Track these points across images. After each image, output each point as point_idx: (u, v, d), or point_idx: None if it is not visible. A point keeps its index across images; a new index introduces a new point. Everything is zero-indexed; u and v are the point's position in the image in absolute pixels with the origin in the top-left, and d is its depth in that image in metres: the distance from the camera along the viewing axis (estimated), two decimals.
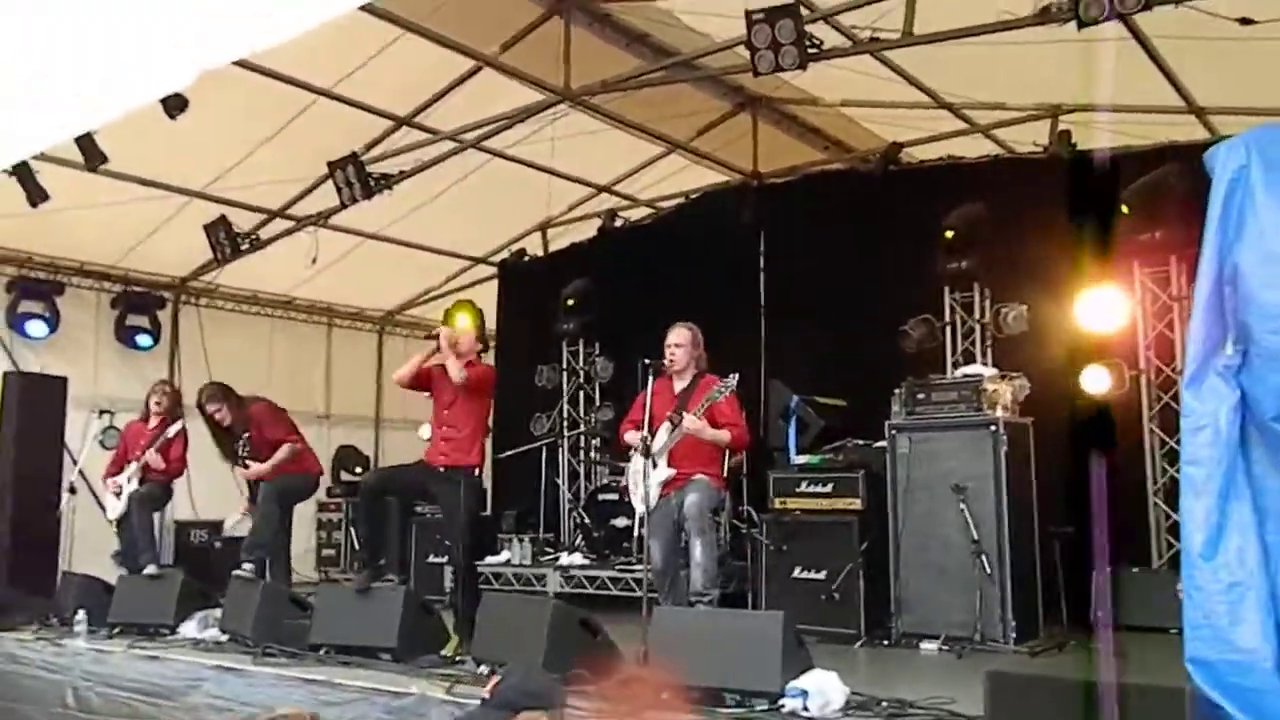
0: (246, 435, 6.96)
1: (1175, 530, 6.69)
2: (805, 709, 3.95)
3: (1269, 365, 3.17)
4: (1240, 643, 3.11)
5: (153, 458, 7.31)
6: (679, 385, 5.76)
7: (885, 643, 6.19)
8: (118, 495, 7.47)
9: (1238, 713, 3.04)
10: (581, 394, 10.32)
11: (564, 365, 10.33)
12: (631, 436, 5.68)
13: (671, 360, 5.72)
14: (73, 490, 8.45)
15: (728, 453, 6.10)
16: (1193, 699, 2.93)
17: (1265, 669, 3.08)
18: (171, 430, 7.41)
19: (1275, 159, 3.27)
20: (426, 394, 6.20)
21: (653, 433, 5.43)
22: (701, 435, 5.44)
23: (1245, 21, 5.47)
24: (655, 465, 5.43)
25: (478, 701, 4.25)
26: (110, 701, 5.63)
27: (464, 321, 9.76)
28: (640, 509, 5.49)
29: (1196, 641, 3.16)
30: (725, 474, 6.07)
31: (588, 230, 10.83)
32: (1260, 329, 3.19)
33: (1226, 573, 3.20)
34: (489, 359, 10.86)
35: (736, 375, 5.54)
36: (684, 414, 5.44)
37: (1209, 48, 5.92)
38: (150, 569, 7.05)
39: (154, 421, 7.65)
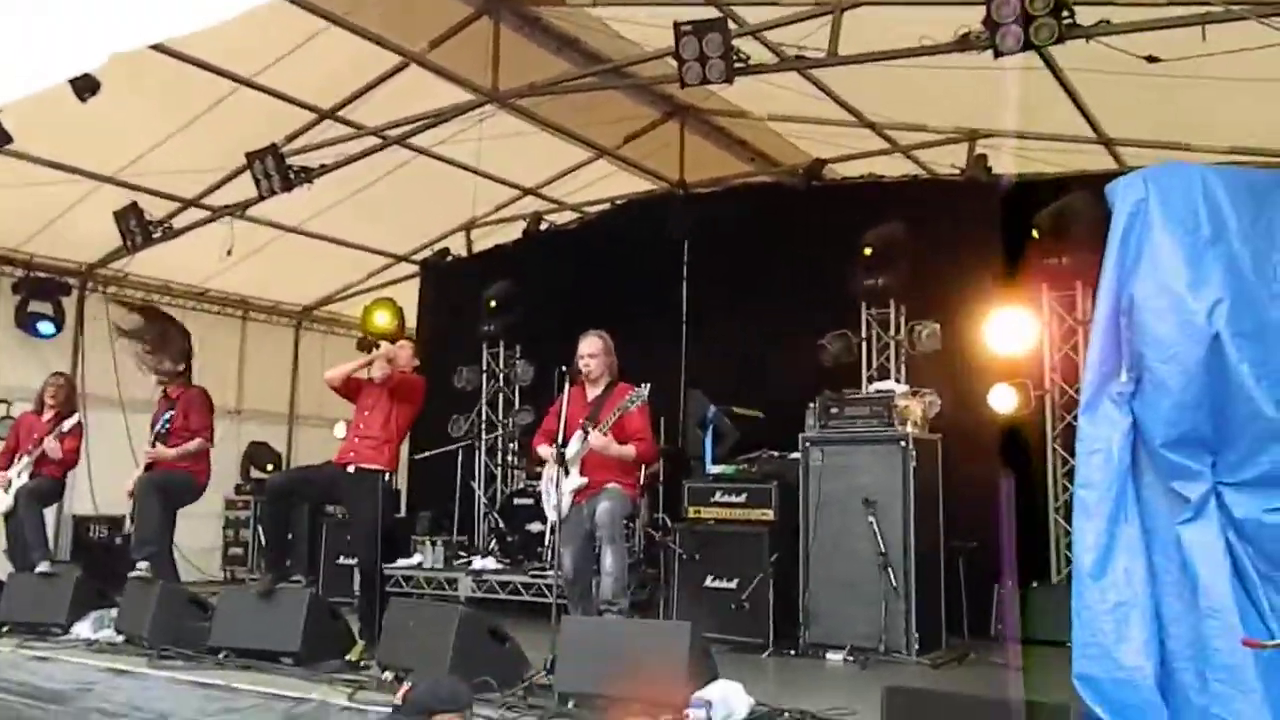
0: (170, 412, 6.71)
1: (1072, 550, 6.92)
2: (709, 719, 3.97)
3: (1160, 393, 3.30)
4: (1124, 660, 3.23)
5: (50, 445, 7.03)
6: (592, 393, 5.75)
7: (792, 653, 6.26)
8: (5, 489, 7.16)
9: None
10: (501, 396, 10.27)
11: (484, 367, 10.26)
12: (544, 451, 5.67)
13: (586, 370, 5.71)
14: None
15: (642, 464, 6.12)
16: (1077, 715, 3.02)
17: (1148, 686, 3.20)
18: (67, 424, 7.12)
19: (1172, 195, 3.41)
20: (350, 400, 6.17)
21: (566, 441, 5.42)
22: (607, 452, 5.44)
23: (1151, 59, 5.67)
24: (568, 473, 5.41)
25: (380, 709, 4.20)
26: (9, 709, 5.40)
27: (382, 319, 9.71)
28: (553, 517, 5.47)
29: (1084, 659, 3.28)
30: (641, 482, 6.09)
31: (513, 232, 10.77)
32: (1153, 358, 3.32)
33: (1114, 592, 3.32)
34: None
35: (648, 386, 5.55)
36: (590, 430, 5.43)
37: (1118, 82, 6.13)
38: (42, 566, 6.77)
39: (48, 414, 7.35)
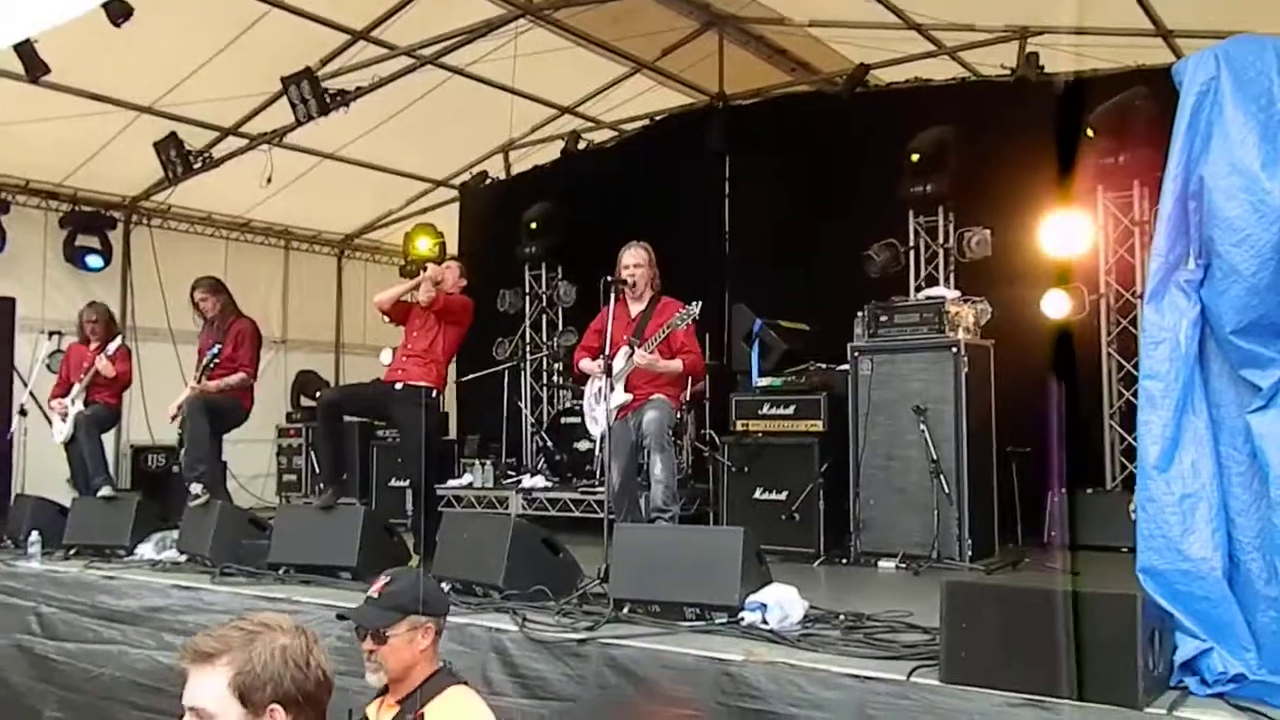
0: (218, 346, 6.77)
1: (1130, 452, 6.81)
2: (764, 622, 3.97)
3: (1230, 279, 3.17)
4: (1190, 552, 3.15)
5: (102, 363, 7.16)
6: (636, 308, 5.70)
7: (844, 561, 6.26)
8: (64, 418, 7.32)
9: (1186, 619, 3.10)
10: (544, 318, 10.25)
11: (526, 289, 10.24)
12: (587, 365, 5.64)
13: (630, 279, 5.65)
14: (23, 413, 8.28)
15: (689, 378, 6.09)
16: (1142, 606, 2.97)
17: (1215, 578, 3.13)
18: (111, 347, 7.25)
19: (1244, 70, 3.23)
20: (400, 325, 6.20)
21: (611, 356, 5.39)
22: (654, 369, 5.40)
23: None
24: (612, 389, 5.39)
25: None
26: (74, 627, 5.56)
27: (424, 245, 9.71)
28: (596, 431, 5.46)
29: (1148, 552, 3.21)
30: (686, 395, 6.06)
31: (551, 153, 10.65)
32: (1223, 242, 3.19)
33: (1180, 484, 3.23)
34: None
35: (699, 304, 5.47)
36: (636, 347, 5.38)
37: None
38: (104, 490, 6.94)
39: (94, 343, 7.49)
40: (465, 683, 3.03)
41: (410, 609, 3.00)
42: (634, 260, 5.69)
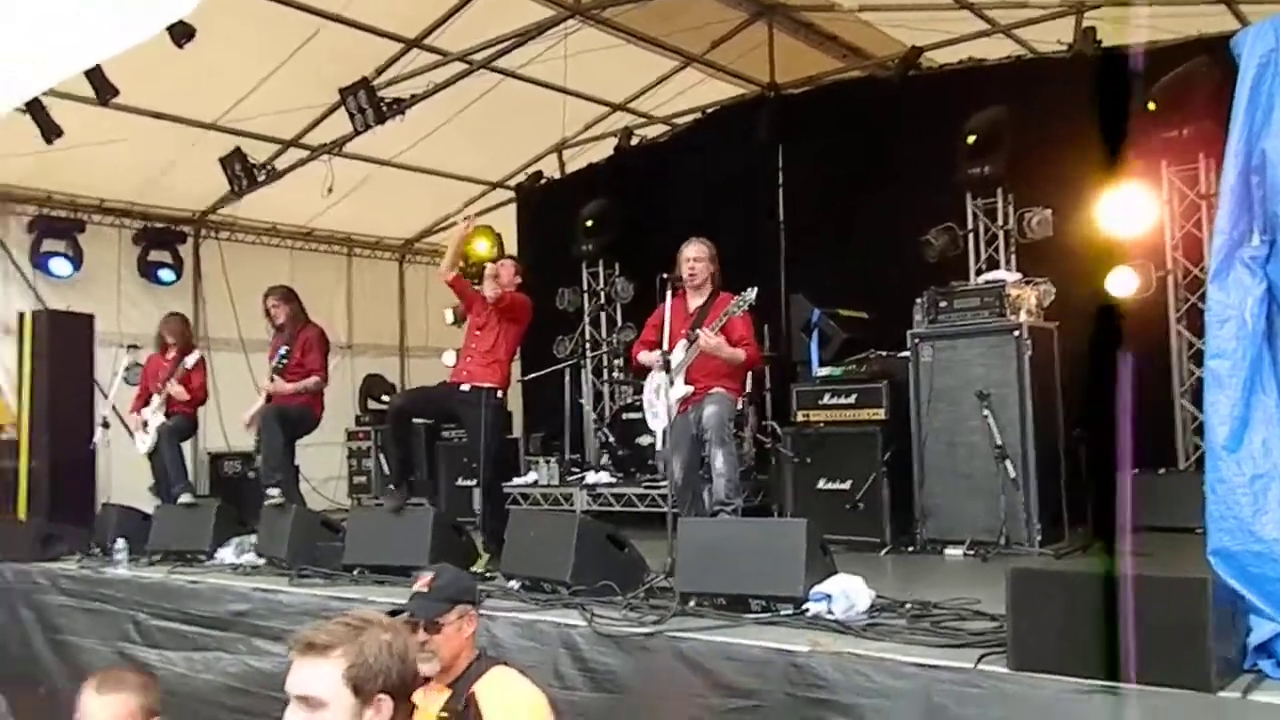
0: (287, 349, 6.97)
1: (1202, 431, 6.65)
2: (830, 612, 3.97)
3: None
4: (1263, 533, 3.10)
5: (175, 389, 7.38)
6: (694, 302, 5.72)
7: (910, 549, 6.22)
8: (145, 429, 7.57)
9: (1259, 601, 3.05)
10: (603, 315, 10.32)
11: (584, 287, 10.31)
12: (646, 356, 5.67)
13: (692, 274, 5.67)
14: (105, 425, 8.56)
15: (749, 371, 6.10)
16: (1213, 589, 2.93)
17: None
18: (190, 360, 7.45)
19: None
20: (465, 313, 6.34)
21: (670, 349, 5.42)
22: (719, 352, 5.40)
23: None
24: (672, 382, 5.42)
25: (508, 614, 4.35)
26: (171, 635, 5.75)
27: (482, 247, 9.84)
28: (658, 426, 5.50)
29: (1219, 533, 3.16)
30: (746, 387, 6.07)
31: (604, 150, 10.73)
32: None
33: (1250, 465, 3.17)
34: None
35: (754, 289, 5.48)
36: (700, 330, 5.41)
37: None
38: (185, 498, 7.17)
39: (171, 353, 7.71)
40: (505, 663, 3.23)
41: (458, 599, 3.16)
42: (695, 254, 5.71)
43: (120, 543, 6.69)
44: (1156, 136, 6.86)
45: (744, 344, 5.56)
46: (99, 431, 8.43)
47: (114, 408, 8.74)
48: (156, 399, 7.52)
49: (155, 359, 7.96)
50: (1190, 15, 7.03)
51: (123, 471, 8.84)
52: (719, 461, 5.34)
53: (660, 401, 5.44)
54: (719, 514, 5.29)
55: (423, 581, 3.21)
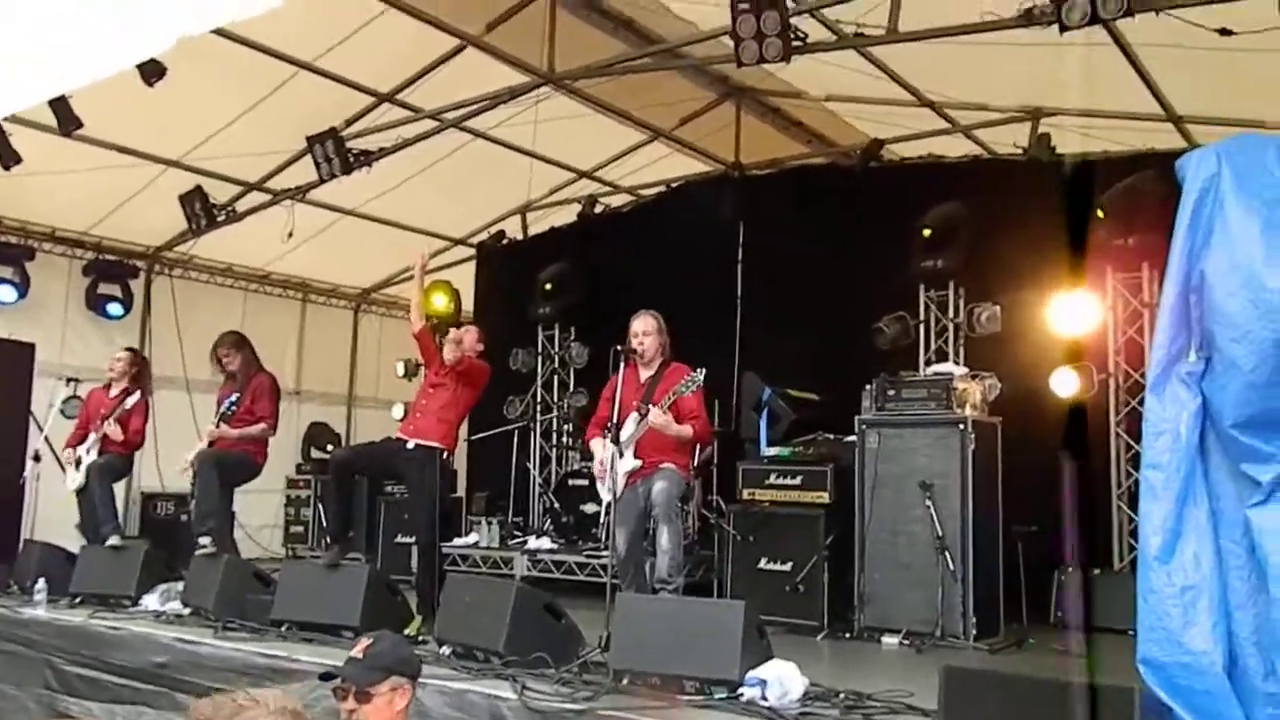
0: (236, 396, 6.85)
1: (1138, 533, 6.77)
2: (764, 698, 3.97)
3: (1230, 373, 3.21)
4: (1191, 645, 3.15)
5: (111, 429, 7.17)
6: (645, 374, 5.74)
7: (847, 635, 6.23)
8: (77, 465, 7.35)
9: (1186, 714, 3.09)
10: (555, 378, 10.32)
11: (539, 349, 10.32)
12: (596, 446, 5.67)
13: (640, 348, 5.70)
14: (37, 458, 8.34)
15: (697, 445, 6.11)
16: (1142, 699, 2.97)
17: (1215, 672, 3.13)
18: (130, 401, 7.28)
19: (1245, 169, 3.30)
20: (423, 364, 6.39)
21: (620, 423, 5.42)
22: (666, 431, 5.43)
23: (1225, 32, 5.50)
24: (622, 455, 5.42)
25: (439, 683, 4.27)
26: (92, 684, 5.54)
27: (439, 302, 9.85)
28: (607, 498, 5.49)
29: (1149, 643, 3.21)
30: (694, 464, 6.08)
31: (568, 215, 10.81)
32: (1223, 337, 3.23)
33: (1181, 576, 3.24)
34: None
35: (703, 370, 5.51)
36: (650, 407, 5.43)
37: (1189, 57, 5.96)
38: (112, 540, 6.97)
39: (115, 390, 7.53)
40: None
41: (393, 669, 3.09)
42: (643, 328, 5.74)
43: (40, 582, 6.49)
44: (1104, 243, 7.07)
45: (693, 418, 5.58)
46: (29, 465, 8.21)
47: (47, 441, 8.53)
48: (94, 436, 7.32)
49: (98, 393, 7.76)
50: (1141, 130, 7.31)
51: (51, 508, 8.57)
52: (664, 538, 5.33)
53: (609, 474, 5.43)
54: (659, 592, 5.26)
55: (360, 647, 3.15)
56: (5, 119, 7.07)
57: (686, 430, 5.53)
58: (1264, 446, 3.16)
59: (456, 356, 6.05)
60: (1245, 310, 3.17)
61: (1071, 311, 7.10)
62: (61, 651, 5.82)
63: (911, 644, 5.89)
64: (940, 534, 5.99)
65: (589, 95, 8.65)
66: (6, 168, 7.53)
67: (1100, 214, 7.03)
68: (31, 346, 8.77)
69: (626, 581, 5.52)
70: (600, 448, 5.59)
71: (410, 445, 5.99)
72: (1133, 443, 7.03)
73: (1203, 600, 3.20)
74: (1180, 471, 3.29)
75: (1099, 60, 6.20)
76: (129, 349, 7.95)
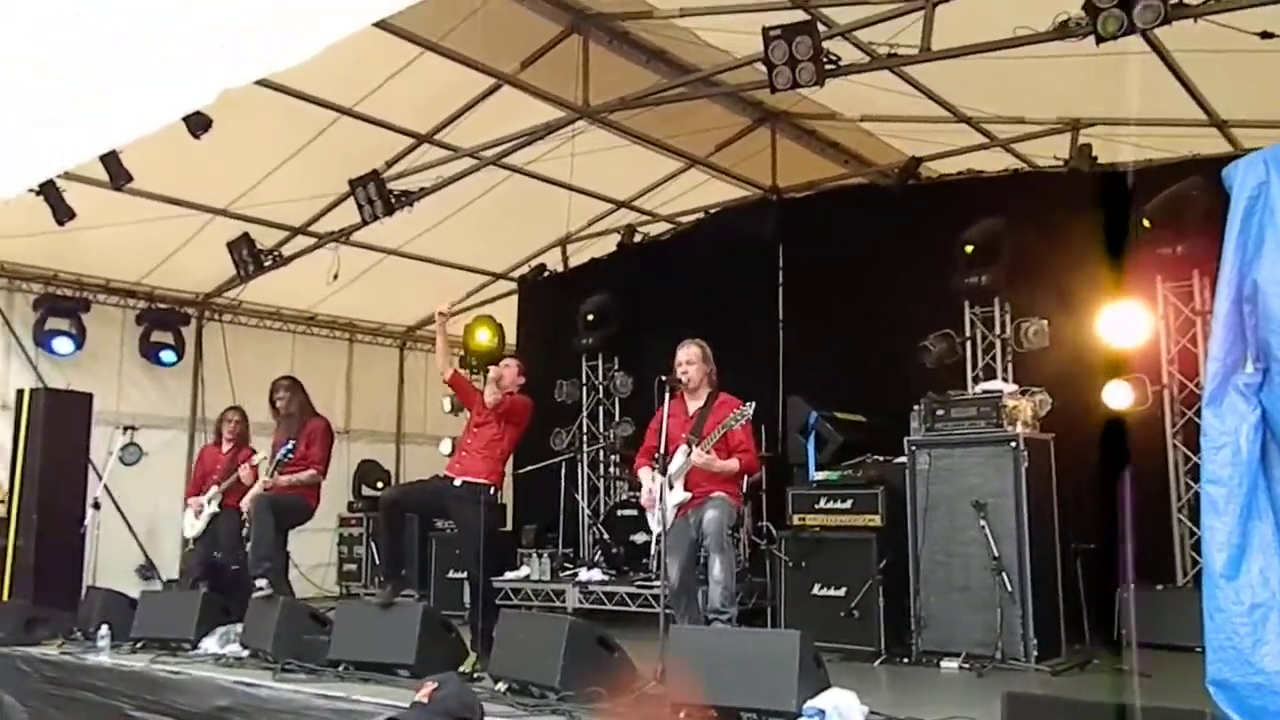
0: (292, 444, 6.95)
1: (1200, 547, 6.60)
2: None
3: None
4: (1263, 665, 3.07)
5: (244, 471, 7.29)
6: (693, 405, 5.70)
7: (905, 660, 6.14)
8: (198, 514, 7.51)
9: None
10: (601, 409, 10.33)
11: (583, 380, 10.34)
12: (645, 476, 5.65)
13: (685, 377, 5.66)
14: (97, 506, 8.52)
15: (745, 475, 6.06)
16: None
17: None
18: (257, 459, 7.34)
19: None
20: (463, 406, 6.35)
21: (669, 454, 5.41)
22: (710, 469, 5.39)
23: (1266, 35, 5.43)
24: (671, 487, 5.39)
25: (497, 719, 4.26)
26: None
27: (483, 337, 9.92)
28: (657, 529, 5.47)
29: (1218, 663, 3.13)
30: (744, 490, 6.04)
31: (607, 246, 10.87)
32: None
33: (1249, 593, 3.15)
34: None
35: (753, 404, 5.45)
36: (694, 446, 5.38)
37: (1230, 61, 5.88)
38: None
39: (227, 446, 7.77)
40: None
41: (457, 714, 3.08)
42: (687, 358, 5.71)
43: (104, 628, 6.60)
44: (1151, 253, 6.97)
45: (741, 451, 5.53)
46: (90, 513, 8.38)
47: (106, 489, 8.72)
48: (215, 489, 7.46)
49: (211, 449, 8.04)
50: (1183, 136, 7.21)
51: (111, 554, 8.76)
52: (716, 568, 5.27)
53: (660, 505, 5.41)
54: (713, 622, 5.22)
55: (425, 691, 3.16)
56: (59, 176, 7.27)
57: (732, 464, 5.48)
58: None
59: (498, 399, 6.08)
60: None
61: (1121, 323, 6.98)
62: (127, 696, 5.90)
63: (971, 667, 5.78)
64: (996, 554, 5.89)
65: (624, 126, 8.72)
66: (61, 223, 7.73)
67: (1147, 223, 6.92)
68: (89, 397, 8.95)
69: (680, 612, 5.49)
70: (649, 478, 5.58)
71: (457, 483, 6.02)
72: (1190, 454, 6.88)
73: (1273, 617, 3.11)
74: (1242, 486, 3.21)
75: (1138, 68, 6.13)
76: (235, 408, 8.06)
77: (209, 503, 7.48)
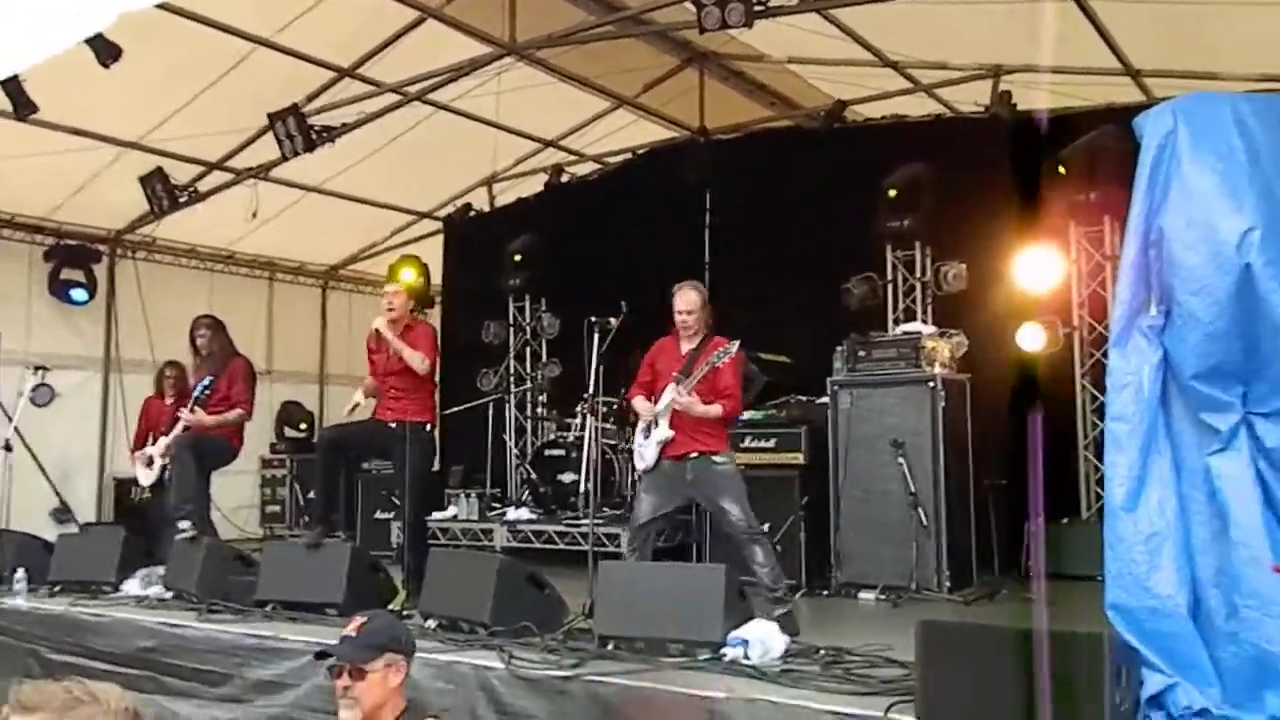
0: (210, 379, 6.80)
1: (1104, 482, 6.92)
2: (746, 657, 4.06)
3: (1189, 325, 3.31)
4: (1157, 589, 3.27)
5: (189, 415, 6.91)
6: (686, 346, 5.55)
7: (825, 593, 6.36)
8: (149, 465, 7.30)
9: (1152, 655, 3.21)
10: (528, 350, 10.33)
11: (510, 321, 10.31)
12: (639, 404, 5.54)
13: (684, 326, 5.52)
14: (8, 448, 8.29)
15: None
16: (1111, 643, 3.08)
17: (1179, 615, 3.25)
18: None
19: (1201, 126, 3.39)
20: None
21: (659, 393, 5.37)
22: (690, 411, 5.30)
23: None
24: (657, 424, 5.34)
25: (425, 656, 4.32)
26: (76, 671, 5.51)
27: (408, 276, 9.80)
28: (641, 466, 5.43)
29: (1117, 589, 3.32)
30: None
31: (534, 185, 10.78)
32: (1182, 290, 3.33)
33: (1147, 524, 3.35)
34: (434, 315, 10.86)
35: (737, 342, 5.37)
36: (676, 389, 5.28)
37: (1146, 11, 6.03)
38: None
39: (170, 399, 7.68)
40: (437, 716, 3.25)
41: (387, 647, 3.13)
42: (686, 306, 5.52)
43: (20, 572, 6.45)
44: (1066, 198, 7.18)
45: (726, 395, 5.40)
46: (1, 455, 8.15)
47: (17, 430, 8.47)
48: (162, 441, 7.18)
49: (155, 401, 7.91)
50: (1100, 85, 7.40)
51: (24, 498, 8.54)
52: (759, 555, 5.19)
53: (648, 442, 5.39)
54: (771, 600, 5.09)
55: (353, 626, 3.19)
56: None
57: (715, 410, 5.35)
58: (1222, 395, 3.27)
59: (426, 368, 5.94)
60: (1203, 263, 3.27)
61: (1036, 266, 7.21)
62: (44, 640, 5.82)
63: (888, 599, 6.02)
64: (913, 491, 6.11)
65: (552, 64, 8.60)
66: None
67: (1062, 170, 7.12)
68: None
69: (635, 546, 5.45)
70: (645, 408, 5.47)
71: (393, 425, 5.96)
72: (1098, 394, 7.17)
73: (1167, 546, 3.32)
74: (1144, 422, 3.39)
75: (1057, 16, 6.25)
76: (172, 362, 7.90)
77: (159, 456, 7.24)
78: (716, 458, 5.36)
